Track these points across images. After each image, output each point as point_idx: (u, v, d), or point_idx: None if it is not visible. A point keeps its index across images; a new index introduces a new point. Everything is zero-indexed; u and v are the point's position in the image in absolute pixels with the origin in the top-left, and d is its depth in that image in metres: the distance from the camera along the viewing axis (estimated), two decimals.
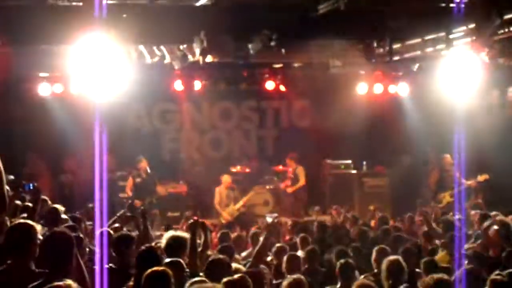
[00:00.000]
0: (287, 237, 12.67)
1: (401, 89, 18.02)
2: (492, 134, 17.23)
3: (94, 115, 11.86)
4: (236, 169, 18.78)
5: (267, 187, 18.41)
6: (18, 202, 10.06)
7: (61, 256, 5.45)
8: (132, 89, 17.28)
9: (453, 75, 14.60)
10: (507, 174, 16.34)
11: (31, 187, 13.52)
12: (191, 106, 20.04)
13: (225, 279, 6.29)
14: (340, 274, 8.22)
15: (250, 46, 13.83)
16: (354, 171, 19.13)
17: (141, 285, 6.01)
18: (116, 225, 11.15)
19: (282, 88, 18.42)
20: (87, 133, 14.35)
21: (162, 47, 15.07)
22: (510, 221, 11.78)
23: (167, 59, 15.32)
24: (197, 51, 14.21)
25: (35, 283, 5.25)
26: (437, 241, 11.51)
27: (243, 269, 7.70)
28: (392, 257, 7.98)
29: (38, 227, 5.97)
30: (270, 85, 17.95)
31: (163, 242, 7.68)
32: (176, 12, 13.30)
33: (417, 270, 8.82)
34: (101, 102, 14.03)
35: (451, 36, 13.95)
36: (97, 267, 6.30)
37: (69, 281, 4.89)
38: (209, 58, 15.17)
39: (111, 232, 9.18)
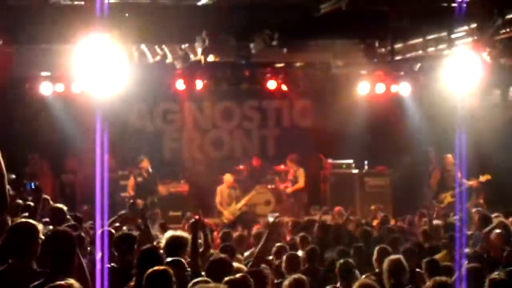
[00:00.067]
0: (288, 237, 12.66)
1: (403, 89, 18.01)
2: (494, 134, 17.22)
3: (95, 114, 11.86)
4: (238, 168, 18.78)
5: (269, 186, 18.41)
6: (19, 201, 10.07)
7: (63, 255, 5.45)
8: (133, 88, 17.29)
9: (455, 75, 14.62)
10: (508, 174, 16.33)
11: (33, 186, 13.52)
12: (192, 106, 20.04)
13: (226, 278, 6.30)
14: (340, 273, 8.22)
15: (251, 45, 13.84)
16: (355, 171, 19.12)
17: (143, 285, 6.01)
18: (116, 224, 11.13)
19: (284, 87, 18.43)
20: (88, 133, 14.37)
21: (164, 47, 15.07)
22: (511, 224, 11.81)
23: (169, 59, 15.33)
24: (199, 50, 14.24)
25: (37, 282, 5.25)
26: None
27: (245, 268, 7.70)
28: (393, 257, 7.98)
29: (40, 226, 5.97)
30: (271, 84, 17.94)
31: (162, 242, 7.68)
32: (178, 12, 13.30)
33: (417, 270, 8.83)
34: (102, 101, 14.05)
35: (452, 36, 13.96)
36: (98, 267, 6.29)
37: (71, 281, 4.89)
38: (210, 58, 15.18)
39: (113, 231, 9.17)
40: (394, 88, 18.10)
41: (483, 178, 16.34)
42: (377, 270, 8.61)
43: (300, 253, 9.98)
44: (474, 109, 18.00)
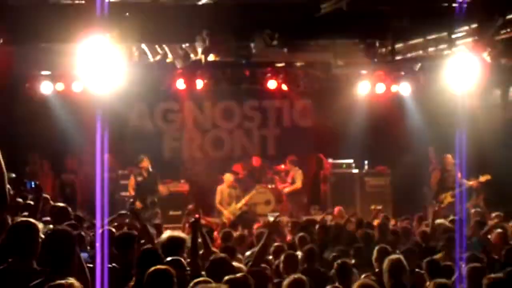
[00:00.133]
0: (289, 237, 12.67)
1: (403, 89, 18.01)
2: (494, 134, 17.23)
3: (96, 113, 11.86)
4: (238, 168, 18.78)
5: (269, 186, 18.41)
6: (19, 200, 10.07)
7: (63, 254, 5.45)
8: (134, 88, 17.33)
9: (455, 75, 14.61)
10: (508, 174, 16.33)
11: (33, 186, 13.53)
12: (193, 105, 20.05)
13: (227, 277, 6.30)
14: (337, 274, 8.21)
15: (252, 45, 13.83)
16: (355, 171, 19.13)
17: (143, 284, 6.01)
18: (115, 224, 11.14)
19: (284, 87, 18.44)
20: (89, 132, 14.37)
21: (164, 46, 15.07)
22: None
23: (169, 58, 15.33)
24: (199, 50, 14.23)
25: (37, 281, 5.25)
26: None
27: (245, 268, 7.70)
28: (393, 256, 7.98)
29: (40, 226, 5.98)
30: (272, 84, 17.95)
31: (160, 242, 7.69)
32: (178, 11, 13.30)
33: (417, 270, 8.82)
34: (103, 100, 14.04)
35: (453, 36, 13.96)
36: (98, 266, 6.29)
37: (71, 279, 4.89)
38: (211, 57, 15.17)
39: (113, 230, 9.17)
40: (394, 88, 18.10)
41: (483, 178, 16.35)
42: (377, 270, 8.60)
43: (299, 253, 9.97)
44: (474, 109, 18.01)
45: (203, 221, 13.67)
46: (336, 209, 15.96)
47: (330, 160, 19.35)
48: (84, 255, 6.82)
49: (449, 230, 11.18)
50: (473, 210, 13.99)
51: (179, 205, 17.87)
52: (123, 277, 7.06)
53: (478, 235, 11.21)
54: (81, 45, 12.66)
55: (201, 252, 8.07)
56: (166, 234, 7.80)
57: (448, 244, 10.04)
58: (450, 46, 14.23)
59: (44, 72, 16.72)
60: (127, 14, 12.60)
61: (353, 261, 9.37)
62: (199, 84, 17.37)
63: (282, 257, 9.02)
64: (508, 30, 12.99)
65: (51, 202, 11.55)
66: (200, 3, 13.19)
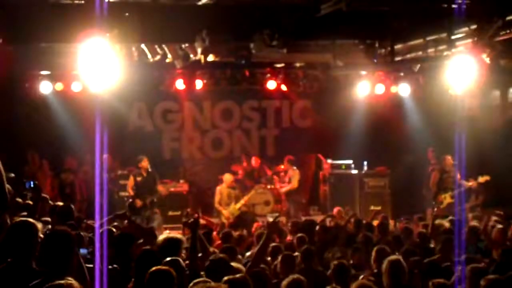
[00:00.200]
0: (289, 237, 12.67)
1: (403, 90, 18.02)
2: (493, 135, 17.25)
3: (95, 113, 11.87)
4: (237, 168, 18.78)
5: (268, 186, 18.42)
6: (19, 200, 10.07)
7: (62, 254, 5.45)
8: (133, 87, 17.34)
9: (455, 76, 14.61)
10: (507, 175, 16.34)
11: (32, 185, 13.55)
12: (192, 105, 20.06)
13: (226, 278, 6.30)
14: (335, 274, 8.21)
15: (251, 45, 13.84)
16: (355, 171, 19.13)
17: (144, 285, 6.02)
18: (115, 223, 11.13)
19: (284, 87, 18.44)
20: (88, 132, 14.37)
21: (163, 46, 15.07)
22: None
23: (169, 58, 15.32)
24: (199, 50, 14.23)
25: (36, 281, 5.24)
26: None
27: (243, 268, 7.70)
28: (393, 257, 7.97)
29: (39, 225, 5.97)
30: (271, 84, 17.95)
31: (157, 243, 7.68)
32: (178, 11, 13.30)
33: (415, 271, 8.81)
34: (102, 100, 14.03)
35: (452, 37, 13.97)
36: (97, 267, 6.29)
37: (70, 280, 4.88)
38: (210, 58, 15.17)
39: (113, 230, 9.16)
40: (394, 89, 18.12)
41: (482, 179, 16.34)
42: (375, 270, 8.60)
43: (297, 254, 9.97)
44: (474, 110, 18.04)
45: (202, 221, 13.68)
46: (335, 209, 15.96)
47: (329, 161, 19.35)
48: (83, 251, 6.82)
49: (447, 231, 11.17)
50: (470, 215, 13.97)
51: (178, 205, 17.87)
52: (122, 278, 7.05)
53: (472, 242, 11.16)
54: (80, 45, 12.65)
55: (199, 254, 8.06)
56: (163, 235, 7.80)
57: (445, 246, 10.04)
58: (449, 47, 14.24)
59: (43, 72, 16.71)
60: (127, 14, 12.60)
61: (351, 262, 9.37)
62: (199, 84, 17.37)
63: (279, 258, 9.01)
64: (507, 31, 12.99)
65: (50, 202, 11.55)
66: (199, 3, 13.18)
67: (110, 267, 7.11)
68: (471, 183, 16.41)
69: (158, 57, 15.31)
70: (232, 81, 17.62)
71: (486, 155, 16.83)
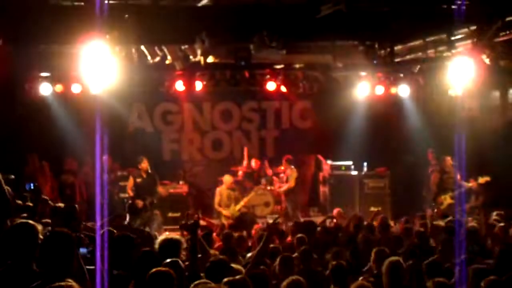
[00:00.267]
0: (289, 238, 12.67)
1: (402, 91, 18.02)
2: (493, 136, 17.24)
3: (95, 115, 11.87)
4: (237, 169, 18.78)
5: (268, 188, 18.41)
6: (18, 201, 10.06)
7: (62, 256, 5.44)
8: (133, 89, 17.33)
9: (454, 77, 14.63)
10: (507, 176, 16.34)
11: (32, 187, 13.56)
12: (192, 107, 20.07)
13: (225, 279, 6.30)
14: (332, 275, 8.20)
15: (251, 46, 13.85)
16: (354, 173, 19.12)
17: (143, 286, 6.02)
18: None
19: (283, 89, 18.42)
20: (88, 133, 14.37)
21: (163, 48, 15.08)
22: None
23: (169, 60, 15.34)
24: (199, 51, 14.25)
25: (36, 283, 5.24)
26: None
27: (243, 270, 7.70)
28: (393, 258, 7.97)
29: (39, 227, 5.97)
30: (271, 86, 17.93)
31: (156, 245, 7.68)
32: (177, 13, 13.31)
33: (415, 271, 8.81)
34: (102, 102, 14.05)
35: (452, 38, 13.98)
36: (97, 268, 6.28)
37: (70, 281, 4.88)
38: (210, 59, 15.19)
39: (114, 231, 9.14)
40: (393, 90, 18.11)
41: (482, 180, 16.34)
42: (375, 271, 8.60)
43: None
44: (473, 111, 18.03)
45: (203, 222, 13.69)
46: (335, 210, 15.96)
47: (329, 162, 19.34)
48: (82, 250, 6.82)
49: (446, 232, 11.18)
50: (469, 218, 13.96)
51: (178, 206, 17.85)
52: (122, 279, 7.05)
53: (471, 243, 11.16)
54: (80, 47, 12.66)
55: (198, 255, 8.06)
56: (162, 236, 7.80)
57: (445, 246, 10.04)
58: (449, 48, 14.26)
59: (43, 74, 16.71)
60: (126, 15, 12.61)
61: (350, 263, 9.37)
62: (198, 85, 17.36)
63: (277, 259, 9.01)
64: (507, 32, 13.01)
65: (51, 203, 11.54)
66: (199, 4, 13.20)
67: (109, 269, 7.10)
68: (471, 184, 16.41)
69: (157, 59, 15.33)
70: (231, 82, 17.60)
71: (486, 156, 16.82)
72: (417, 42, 15.46)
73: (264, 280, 7.15)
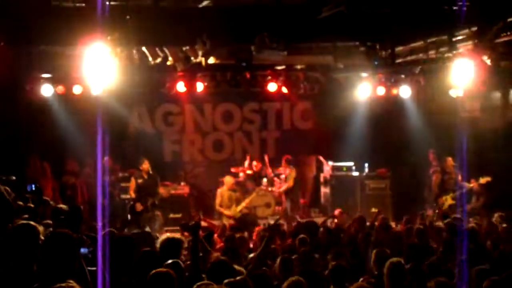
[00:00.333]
0: (289, 240, 12.66)
1: (404, 92, 18.01)
2: (494, 137, 17.24)
3: (96, 116, 11.87)
4: (238, 170, 18.79)
5: (269, 189, 18.42)
6: (20, 203, 10.05)
7: (63, 257, 5.44)
8: (134, 90, 17.33)
9: (455, 78, 14.63)
10: (508, 176, 16.34)
11: (33, 188, 13.55)
12: (193, 108, 20.07)
13: (226, 280, 6.31)
14: (331, 276, 8.20)
15: (252, 48, 13.85)
16: (356, 173, 19.12)
17: (144, 286, 6.03)
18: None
19: (285, 90, 18.42)
20: (89, 134, 14.37)
21: (164, 49, 15.09)
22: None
23: (170, 61, 15.34)
24: (200, 52, 14.25)
25: (37, 284, 5.24)
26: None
27: (244, 271, 7.71)
28: (394, 259, 7.96)
29: (40, 228, 5.97)
30: (272, 87, 17.93)
31: (157, 244, 7.68)
32: (178, 14, 13.32)
33: (416, 271, 8.80)
34: (103, 103, 14.05)
35: (453, 39, 13.98)
36: (99, 269, 6.29)
37: (71, 282, 4.88)
38: (211, 60, 15.19)
39: (115, 232, 9.14)
40: (394, 91, 18.11)
41: (483, 180, 16.35)
42: (375, 272, 8.59)
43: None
44: (475, 111, 18.03)
45: (204, 223, 13.70)
46: (337, 211, 15.96)
47: (330, 163, 19.34)
48: (83, 250, 6.81)
49: (446, 232, 11.18)
50: (470, 219, 13.97)
51: (179, 207, 17.88)
52: (124, 280, 7.05)
53: (472, 243, 11.17)
54: (81, 48, 12.68)
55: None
56: (163, 236, 7.80)
57: (445, 247, 10.04)
58: (450, 49, 14.26)
59: (44, 75, 16.71)
60: (128, 17, 12.62)
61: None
62: (200, 86, 17.37)
63: (277, 261, 9.01)
64: (508, 33, 13.01)
65: (52, 204, 11.54)
66: (200, 6, 13.20)
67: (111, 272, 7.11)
68: (472, 185, 16.42)
69: (159, 60, 15.33)
70: (233, 83, 17.60)
71: (487, 157, 16.83)
72: (418, 43, 15.46)
73: (266, 281, 7.15)
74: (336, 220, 14.95)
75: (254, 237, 12.74)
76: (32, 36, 13.09)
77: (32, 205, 10.34)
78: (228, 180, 17.45)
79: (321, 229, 12.33)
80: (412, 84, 17.82)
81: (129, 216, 15.79)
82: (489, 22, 12.78)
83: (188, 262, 7.62)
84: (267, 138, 20.67)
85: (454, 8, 12.37)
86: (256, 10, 13.45)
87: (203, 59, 14.62)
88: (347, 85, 18.57)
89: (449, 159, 17.09)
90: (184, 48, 14.85)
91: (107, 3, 11.63)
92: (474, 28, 13.43)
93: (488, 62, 14.11)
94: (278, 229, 12.16)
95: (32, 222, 5.93)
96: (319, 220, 15.09)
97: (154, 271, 6.03)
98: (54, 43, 14.05)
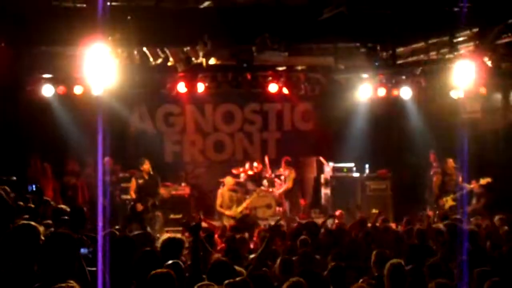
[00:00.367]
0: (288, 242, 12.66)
1: (404, 93, 18.01)
2: (495, 138, 17.25)
3: (97, 116, 11.88)
4: (239, 171, 18.79)
5: (270, 190, 18.41)
6: (20, 203, 10.06)
7: (64, 257, 5.45)
8: (135, 91, 17.34)
9: (456, 79, 14.63)
10: (509, 178, 16.34)
11: (34, 189, 13.56)
12: (194, 109, 20.08)
13: (226, 282, 6.30)
14: (330, 277, 8.19)
15: (253, 48, 13.86)
16: (356, 174, 19.11)
17: (144, 287, 6.02)
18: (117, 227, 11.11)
19: (285, 91, 18.42)
20: (90, 135, 14.37)
21: (165, 49, 15.09)
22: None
23: (171, 61, 15.34)
24: (201, 53, 14.25)
25: (37, 284, 5.25)
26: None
27: (244, 272, 7.70)
28: (394, 260, 7.95)
29: (41, 229, 5.97)
30: (273, 88, 17.94)
31: (158, 244, 7.68)
32: (179, 15, 13.33)
33: (416, 272, 8.79)
34: (104, 103, 14.06)
35: (454, 41, 13.99)
36: (99, 270, 6.29)
37: (72, 283, 4.89)
38: (212, 61, 15.20)
39: (116, 233, 9.14)
40: (395, 92, 18.11)
41: (483, 181, 16.35)
42: (376, 274, 8.58)
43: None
44: (475, 113, 18.02)
45: (204, 224, 13.69)
46: (338, 212, 15.96)
47: (331, 164, 19.34)
48: (83, 251, 6.81)
49: (446, 233, 11.17)
50: (472, 219, 13.96)
51: (180, 208, 17.86)
52: (123, 282, 7.05)
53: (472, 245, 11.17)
54: (82, 48, 12.68)
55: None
56: (164, 236, 7.80)
57: (445, 248, 10.03)
58: (451, 51, 14.26)
59: (45, 75, 16.72)
60: (129, 17, 12.62)
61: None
62: (200, 87, 17.37)
63: (277, 262, 9.00)
64: (509, 34, 13.02)
65: (53, 205, 11.54)
66: (201, 6, 13.21)
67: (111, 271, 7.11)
68: (472, 185, 16.42)
69: (160, 60, 15.33)
70: (233, 84, 17.61)
71: (487, 158, 16.84)
72: (419, 44, 15.46)
73: (266, 282, 7.14)
74: (336, 221, 14.95)
75: (255, 238, 12.74)
76: (33, 36, 13.09)
77: (32, 206, 10.34)
78: (229, 180, 17.45)
79: (322, 230, 12.32)
80: (413, 85, 17.83)
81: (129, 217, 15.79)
82: (490, 24, 12.79)
83: (189, 263, 7.61)
84: (267, 139, 20.67)
85: (455, 9, 12.38)
86: (257, 11, 13.46)
87: (204, 60, 14.63)
88: (348, 86, 18.57)
89: (450, 160, 17.09)
90: (185, 49, 14.85)
91: (108, 3, 11.63)
92: (475, 30, 13.44)
93: (489, 63, 14.12)
94: (279, 230, 12.14)
95: (32, 223, 5.93)
96: (319, 220, 15.09)
97: (154, 271, 6.03)
98: (55, 44, 14.06)
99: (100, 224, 8.59)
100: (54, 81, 16.79)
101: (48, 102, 17.42)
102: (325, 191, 19.52)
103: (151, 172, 16.12)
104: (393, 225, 14.97)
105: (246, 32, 13.45)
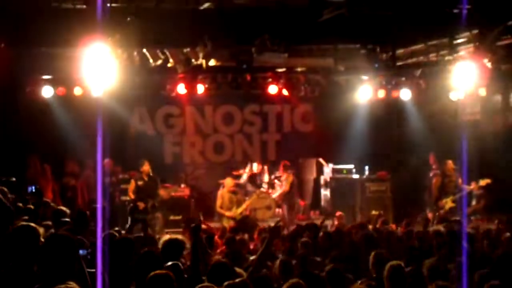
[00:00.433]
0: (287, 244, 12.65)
1: (404, 94, 18.01)
2: (495, 139, 17.24)
3: (96, 118, 11.86)
4: (239, 173, 18.79)
5: (270, 191, 18.41)
6: (20, 204, 10.05)
7: (63, 258, 5.45)
8: (135, 92, 17.33)
9: (456, 81, 14.64)
10: (509, 179, 16.34)
11: (33, 190, 13.55)
12: (194, 110, 20.06)
13: (226, 283, 6.30)
14: (328, 279, 8.17)
15: (253, 50, 13.86)
16: (356, 176, 19.10)
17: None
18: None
19: (285, 92, 18.42)
20: (89, 136, 14.37)
21: (165, 51, 15.10)
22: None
23: (171, 63, 15.35)
24: (201, 54, 14.26)
25: (37, 286, 5.24)
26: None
27: (244, 273, 7.69)
28: (394, 262, 7.95)
29: (41, 230, 5.97)
30: (273, 89, 17.94)
31: (159, 245, 7.67)
32: (179, 16, 13.33)
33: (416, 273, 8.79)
34: (103, 104, 14.05)
35: (454, 42, 14.00)
36: (99, 271, 6.29)
37: (71, 284, 4.88)
38: (212, 62, 15.20)
39: (115, 234, 9.14)
40: (395, 93, 18.11)
41: (483, 182, 16.36)
42: (374, 275, 8.57)
43: None
44: (475, 114, 18.03)
45: (204, 226, 13.68)
46: (337, 214, 15.96)
47: (331, 165, 19.33)
48: (82, 252, 6.81)
49: (446, 235, 11.17)
50: (473, 218, 13.98)
51: (180, 209, 17.84)
52: (123, 282, 7.05)
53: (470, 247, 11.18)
54: (82, 49, 12.68)
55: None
56: (165, 237, 7.79)
57: (445, 250, 10.03)
58: (451, 52, 14.27)
59: (45, 76, 16.72)
60: (128, 18, 12.63)
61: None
62: (200, 88, 17.37)
63: (276, 263, 8.99)
64: (508, 36, 13.03)
65: (52, 206, 11.54)
66: (201, 8, 13.21)
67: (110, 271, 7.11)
68: (472, 187, 16.42)
69: (159, 62, 15.34)
70: (233, 85, 17.61)
71: (487, 160, 16.83)
72: (419, 46, 15.48)
73: (266, 283, 7.14)
74: (336, 223, 14.94)
75: (255, 239, 12.74)
76: (33, 37, 13.10)
77: (32, 207, 10.33)
78: (229, 182, 17.45)
79: (321, 233, 12.31)
80: (412, 87, 17.83)
81: (129, 218, 15.77)
82: (490, 25, 12.79)
83: (188, 263, 7.60)
84: (267, 140, 20.67)
85: (455, 11, 12.38)
86: (257, 13, 13.46)
87: (204, 61, 14.64)
88: (348, 87, 18.58)
89: (450, 162, 17.08)
90: (185, 50, 14.86)
91: (108, 4, 11.63)
92: (475, 31, 13.44)
93: (489, 65, 14.12)
94: (279, 231, 12.13)
95: (32, 224, 5.93)
96: (318, 222, 15.09)
97: (153, 272, 6.02)
98: (54, 45, 14.06)
99: (99, 225, 8.59)
100: (54, 82, 16.80)
101: (48, 103, 17.41)
102: (324, 193, 19.51)
103: (151, 174, 16.12)
104: (393, 227, 14.95)
105: (246, 33, 13.46)
